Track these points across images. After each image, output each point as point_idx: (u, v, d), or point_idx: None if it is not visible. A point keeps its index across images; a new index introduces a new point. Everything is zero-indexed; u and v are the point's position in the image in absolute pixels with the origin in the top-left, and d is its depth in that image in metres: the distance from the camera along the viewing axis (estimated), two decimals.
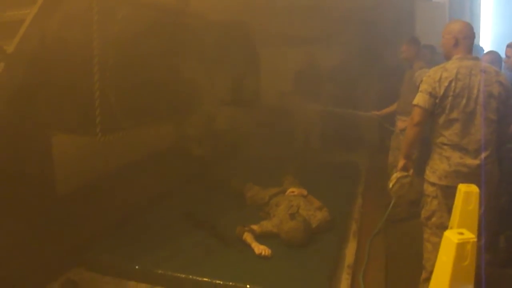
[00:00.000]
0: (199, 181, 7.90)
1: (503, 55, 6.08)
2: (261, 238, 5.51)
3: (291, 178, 7.02)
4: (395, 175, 4.77)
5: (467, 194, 3.78)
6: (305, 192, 6.39)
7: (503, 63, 6.13)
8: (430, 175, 4.52)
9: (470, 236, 3.06)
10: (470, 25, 4.60)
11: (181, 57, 6.65)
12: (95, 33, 4.94)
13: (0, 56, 4.45)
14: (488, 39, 10.82)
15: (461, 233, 3.09)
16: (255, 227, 5.63)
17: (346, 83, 10.18)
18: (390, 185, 4.77)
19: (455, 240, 3.01)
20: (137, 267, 5.02)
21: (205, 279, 4.77)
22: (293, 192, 6.37)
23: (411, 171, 4.76)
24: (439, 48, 4.89)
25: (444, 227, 4.31)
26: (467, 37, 4.47)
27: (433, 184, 4.49)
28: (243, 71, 8.05)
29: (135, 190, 6.47)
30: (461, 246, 3.00)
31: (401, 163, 4.78)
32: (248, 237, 5.45)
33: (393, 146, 7.26)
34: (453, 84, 4.27)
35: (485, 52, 6.87)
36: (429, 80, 4.39)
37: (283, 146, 9.77)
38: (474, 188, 3.80)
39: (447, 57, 4.54)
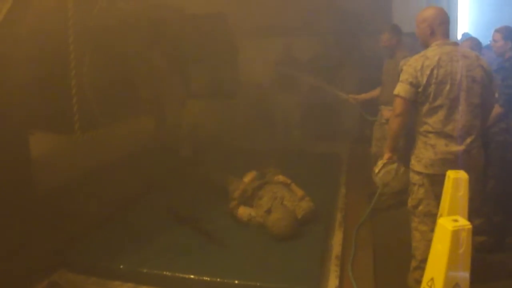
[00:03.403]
0: (180, 176, 7.79)
1: (482, 41, 6.10)
2: (248, 231, 5.59)
3: (273, 169, 6.94)
4: (381, 162, 4.75)
5: (456, 180, 3.77)
6: (288, 180, 6.33)
7: (482, 49, 6.14)
8: (416, 164, 4.47)
9: (465, 223, 3.03)
10: (443, 9, 4.55)
11: (159, 51, 6.56)
12: (71, 28, 4.84)
13: None
14: (465, 26, 10.84)
15: (456, 220, 3.05)
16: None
17: (324, 73, 10.11)
18: (376, 171, 4.74)
19: (450, 228, 2.97)
20: (121, 266, 4.92)
21: (191, 276, 4.69)
22: (279, 178, 6.35)
23: (395, 164, 4.73)
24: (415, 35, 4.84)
25: (431, 214, 4.35)
26: (443, 22, 4.42)
27: (419, 173, 4.45)
28: (222, 63, 7.97)
29: (115, 188, 6.37)
30: (456, 233, 2.97)
31: (386, 156, 4.76)
32: (241, 210, 5.79)
33: (376, 136, 7.22)
34: (435, 71, 4.22)
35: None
36: (409, 69, 4.34)
37: (263, 138, 9.68)
38: (463, 174, 3.80)
39: (425, 46, 4.49)
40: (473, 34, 8.01)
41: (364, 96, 7.85)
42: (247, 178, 6.39)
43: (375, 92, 7.48)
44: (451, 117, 4.27)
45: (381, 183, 4.87)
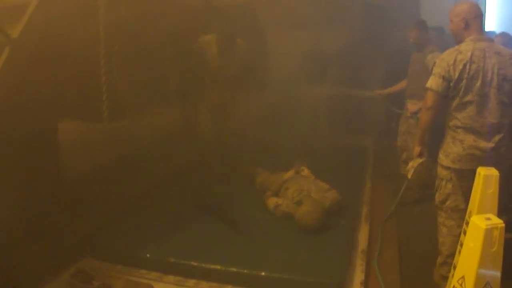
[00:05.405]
0: (207, 166, 7.77)
1: None
2: (274, 222, 5.63)
3: (301, 163, 6.93)
4: (411, 165, 4.74)
5: (486, 177, 3.75)
6: (312, 176, 6.40)
7: None
8: (444, 159, 4.45)
9: (497, 221, 3.01)
10: (476, 3, 4.54)
11: (187, 41, 6.56)
12: (101, 17, 4.86)
13: (5, 41, 4.36)
14: (493, 22, 10.65)
15: (489, 218, 3.03)
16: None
17: (351, 66, 10.07)
18: (409, 176, 4.73)
19: (483, 226, 2.96)
20: (148, 255, 4.95)
21: (218, 267, 4.72)
22: (303, 170, 6.48)
23: (426, 156, 4.70)
24: (448, 30, 4.80)
25: (459, 210, 4.34)
26: (477, 16, 4.39)
27: (447, 168, 4.42)
28: (251, 54, 7.93)
29: (142, 176, 6.40)
30: (489, 231, 2.95)
31: (416, 149, 4.74)
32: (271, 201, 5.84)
33: (402, 129, 7.18)
34: (467, 66, 4.19)
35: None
36: (442, 63, 4.31)
37: (291, 130, 9.64)
38: (493, 171, 3.78)
39: (458, 41, 4.45)
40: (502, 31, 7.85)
41: (390, 90, 7.82)
42: (287, 175, 6.39)
43: (400, 85, 7.45)
44: (481, 113, 4.23)
45: (416, 184, 4.86)
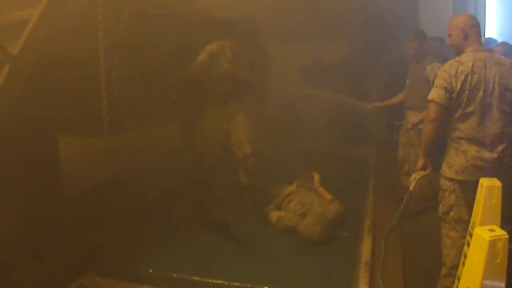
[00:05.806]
0: (210, 179, 7.74)
1: None
2: (277, 236, 5.63)
3: (302, 172, 6.92)
4: (414, 177, 4.76)
5: (489, 188, 3.73)
6: (318, 184, 6.46)
7: None
8: (447, 170, 4.44)
9: (501, 233, 3.00)
10: (472, 14, 4.58)
11: (186, 56, 6.55)
12: (101, 32, 4.86)
13: (5, 57, 4.37)
14: (493, 32, 10.66)
15: (492, 230, 3.02)
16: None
17: (351, 78, 10.04)
18: (411, 188, 4.74)
19: (487, 238, 2.94)
20: (151, 271, 4.94)
21: (221, 281, 4.70)
22: (313, 176, 6.55)
23: (429, 169, 4.69)
24: (448, 43, 4.80)
25: (462, 221, 4.33)
26: (474, 25, 4.42)
27: (450, 179, 4.41)
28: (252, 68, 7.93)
29: (145, 192, 6.38)
30: (493, 243, 2.94)
31: (420, 162, 4.74)
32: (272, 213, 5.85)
33: (403, 141, 7.12)
34: (469, 77, 4.20)
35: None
36: (444, 74, 4.31)
37: (291, 142, 9.63)
38: (496, 182, 3.76)
39: (459, 52, 4.46)
40: (502, 40, 7.87)
41: (388, 102, 7.80)
42: (290, 188, 6.41)
43: (399, 97, 7.42)
44: (483, 124, 4.24)
45: (418, 196, 4.86)
